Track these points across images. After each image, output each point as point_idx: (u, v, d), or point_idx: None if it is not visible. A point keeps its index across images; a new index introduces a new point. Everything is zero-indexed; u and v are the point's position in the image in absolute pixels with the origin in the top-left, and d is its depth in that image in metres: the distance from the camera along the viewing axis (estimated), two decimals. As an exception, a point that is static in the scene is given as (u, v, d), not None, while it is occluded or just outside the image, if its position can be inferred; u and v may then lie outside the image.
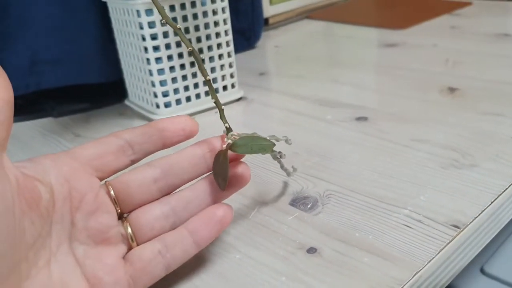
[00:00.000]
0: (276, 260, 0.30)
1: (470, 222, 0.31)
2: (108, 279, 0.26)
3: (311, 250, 0.30)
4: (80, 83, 0.56)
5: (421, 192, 0.35)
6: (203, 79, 0.52)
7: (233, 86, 0.55)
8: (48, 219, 0.24)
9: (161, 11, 0.31)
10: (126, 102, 0.58)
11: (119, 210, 0.28)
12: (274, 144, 0.30)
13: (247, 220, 0.34)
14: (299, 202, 0.35)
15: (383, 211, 0.33)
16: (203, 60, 0.52)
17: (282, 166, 0.36)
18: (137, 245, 0.28)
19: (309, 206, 0.35)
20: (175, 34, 0.49)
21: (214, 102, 0.31)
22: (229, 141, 0.30)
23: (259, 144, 0.30)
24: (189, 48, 0.30)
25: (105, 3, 0.53)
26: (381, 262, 0.29)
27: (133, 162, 0.29)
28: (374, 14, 0.90)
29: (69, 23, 0.54)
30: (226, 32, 0.53)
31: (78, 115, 0.57)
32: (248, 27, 0.73)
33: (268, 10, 0.85)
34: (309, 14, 0.92)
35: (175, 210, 0.29)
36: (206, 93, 0.53)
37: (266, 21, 0.85)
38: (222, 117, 0.31)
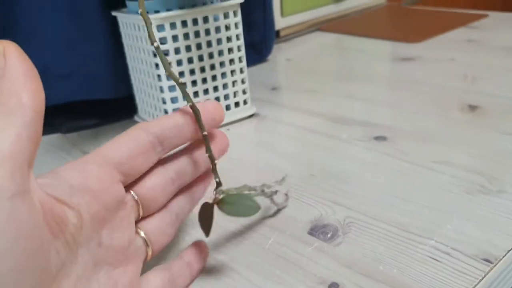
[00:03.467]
0: (296, 297, 0.28)
1: (503, 256, 0.29)
2: None
3: (333, 286, 0.28)
4: (89, 99, 0.54)
5: (447, 220, 0.33)
6: (215, 95, 0.51)
7: (245, 102, 0.54)
8: (74, 245, 0.22)
9: (163, 61, 0.28)
10: (136, 118, 0.56)
11: (140, 215, 0.27)
12: (259, 208, 0.29)
13: (264, 250, 0.32)
14: (318, 230, 0.33)
15: (408, 242, 0.31)
16: (215, 77, 0.50)
17: (272, 202, 0.36)
18: (151, 252, 0.27)
19: (329, 235, 0.33)
20: (187, 50, 0.47)
21: (208, 156, 0.29)
22: (217, 195, 0.29)
23: (245, 205, 0.29)
24: (189, 104, 0.28)
25: (115, 17, 0.52)
26: (408, 300, 0.27)
27: (160, 158, 0.27)
28: (387, 26, 0.89)
29: (79, 37, 0.53)
30: (238, 48, 0.51)
31: (87, 131, 0.55)
32: (259, 40, 0.72)
33: (279, 22, 0.83)
34: (320, 26, 0.90)
35: (178, 215, 0.29)
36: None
37: (277, 33, 0.84)
38: (214, 170, 0.30)
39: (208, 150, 0.29)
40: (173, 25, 0.46)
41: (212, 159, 0.29)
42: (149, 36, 0.28)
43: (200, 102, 0.28)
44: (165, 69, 0.28)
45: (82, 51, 0.54)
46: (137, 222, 0.27)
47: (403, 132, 0.46)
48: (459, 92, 0.55)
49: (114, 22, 0.53)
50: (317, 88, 0.61)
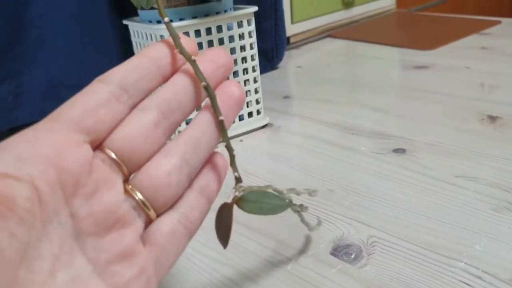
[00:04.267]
0: (322, 324, 0.27)
1: (538, 280, 0.28)
2: (129, 273, 0.22)
3: (361, 312, 0.27)
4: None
5: (475, 240, 0.32)
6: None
7: (258, 112, 0.53)
8: (35, 221, 0.19)
9: (174, 38, 0.25)
10: (146, 128, 0.55)
11: (127, 172, 0.23)
12: (289, 205, 0.26)
13: (286, 272, 0.31)
14: (341, 251, 0.32)
15: (436, 264, 0.30)
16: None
17: (302, 220, 0.32)
18: (155, 211, 0.24)
19: (352, 256, 0.31)
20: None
21: (225, 147, 0.26)
22: (237, 193, 0.26)
23: (271, 203, 0.26)
24: (203, 83, 0.25)
25: (126, 26, 0.50)
26: (441, 329, 0.25)
27: (131, 108, 0.23)
28: (398, 33, 0.87)
29: (89, 46, 0.52)
30: (252, 57, 0.50)
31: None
32: (270, 47, 0.71)
33: (290, 28, 0.82)
34: (331, 32, 0.89)
35: (186, 159, 0.24)
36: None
37: (287, 40, 0.83)
38: (233, 164, 0.26)
39: (225, 139, 0.25)
40: (186, 35, 0.45)
41: (230, 149, 0.26)
42: (180, 52, 0.26)
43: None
44: (200, 80, 0.26)
45: (92, 61, 0.53)
46: (128, 181, 0.24)
47: (422, 145, 0.45)
48: (476, 102, 0.54)
49: (124, 31, 0.52)
50: (329, 97, 0.60)
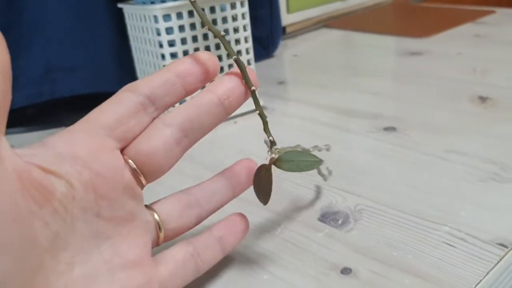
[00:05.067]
0: (308, 282, 0.27)
1: (520, 241, 0.28)
2: (137, 281, 0.23)
3: (346, 271, 0.28)
4: (95, 92, 0.54)
5: (461, 207, 0.32)
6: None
7: (252, 95, 0.53)
8: (66, 215, 0.21)
9: (202, 17, 0.26)
10: (142, 111, 0.56)
11: (145, 182, 0.25)
12: (322, 161, 0.28)
13: (274, 236, 0.31)
14: (329, 217, 0.33)
15: (422, 228, 0.31)
16: (222, 69, 0.50)
17: (319, 172, 0.35)
18: (164, 235, 0.26)
19: (340, 222, 0.32)
20: (194, 40, 0.47)
21: (259, 114, 0.28)
22: (273, 155, 0.27)
23: (307, 161, 0.27)
24: (234, 57, 0.26)
25: (120, 9, 0.51)
26: (423, 285, 0.26)
27: (153, 119, 0.25)
28: (395, 22, 0.88)
29: (84, 30, 0.53)
30: (246, 39, 0.51)
31: (92, 125, 0.55)
32: (266, 35, 0.72)
33: (286, 18, 0.83)
34: (327, 22, 0.90)
35: (199, 202, 0.27)
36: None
37: (283, 29, 0.83)
38: (266, 129, 0.28)
39: (258, 107, 0.27)
40: (179, 15, 0.45)
41: (262, 116, 0.28)
42: (209, 29, 0.26)
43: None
44: (231, 55, 0.26)
45: (87, 44, 0.53)
46: (150, 204, 0.26)
47: (412, 123, 0.46)
48: (468, 84, 0.54)
49: (120, 14, 0.52)
50: (324, 83, 0.61)
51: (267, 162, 0.27)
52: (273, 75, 0.66)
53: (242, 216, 0.29)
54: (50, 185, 0.20)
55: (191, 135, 0.25)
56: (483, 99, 0.50)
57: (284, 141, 0.45)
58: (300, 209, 0.34)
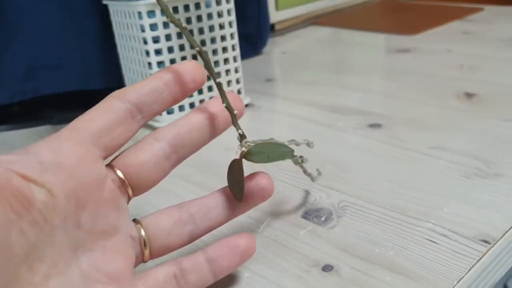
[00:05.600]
0: (289, 279, 0.27)
1: (501, 236, 0.28)
2: None
3: (327, 268, 0.27)
4: (79, 89, 0.54)
5: (444, 203, 0.32)
6: (208, 84, 0.50)
7: (239, 92, 0.53)
8: (45, 225, 0.20)
9: (166, 10, 0.27)
10: (128, 109, 0.55)
11: (131, 194, 0.25)
12: (293, 150, 0.27)
13: (256, 234, 0.31)
14: (312, 214, 0.32)
15: (404, 224, 0.30)
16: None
17: (305, 171, 0.33)
18: (150, 252, 0.25)
19: (323, 219, 0.32)
20: (179, 36, 0.47)
21: (226, 107, 0.27)
22: (244, 149, 0.27)
23: (277, 151, 0.27)
24: (197, 48, 0.27)
25: (105, 5, 0.51)
26: (405, 281, 0.26)
27: (141, 127, 0.25)
28: (383, 20, 0.88)
29: (68, 27, 0.52)
30: (232, 36, 0.50)
31: (78, 122, 0.54)
32: (254, 33, 0.71)
33: (274, 16, 0.83)
34: (315, 20, 0.90)
35: (194, 217, 0.26)
36: (210, 98, 0.51)
37: (272, 27, 0.83)
38: (235, 122, 0.28)
39: (225, 100, 0.27)
40: (163, 12, 0.45)
41: (230, 110, 0.27)
42: (171, 21, 0.27)
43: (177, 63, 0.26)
44: (193, 47, 0.27)
45: (71, 42, 0.53)
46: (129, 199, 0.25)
47: (398, 120, 0.46)
48: (455, 81, 0.55)
49: (105, 11, 0.52)
50: (312, 80, 0.60)
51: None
52: (261, 72, 0.66)
53: (246, 236, 0.27)
54: (30, 194, 0.20)
55: (181, 151, 0.26)
56: (469, 95, 0.50)
57: (268, 136, 0.45)
58: (284, 207, 0.34)
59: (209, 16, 0.48)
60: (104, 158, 0.24)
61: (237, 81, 0.52)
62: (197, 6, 0.47)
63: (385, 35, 0.78)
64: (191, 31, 0.47)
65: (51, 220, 0.20)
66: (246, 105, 0.54)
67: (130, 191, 0.24)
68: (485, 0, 0.94)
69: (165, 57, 0.46)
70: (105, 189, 0.23)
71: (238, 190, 0.26)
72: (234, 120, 0.28)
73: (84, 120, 0.23)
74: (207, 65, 0.27)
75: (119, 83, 0.54)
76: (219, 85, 0.27)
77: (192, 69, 0.25)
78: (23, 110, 0.57)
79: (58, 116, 0.55)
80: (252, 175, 0.27)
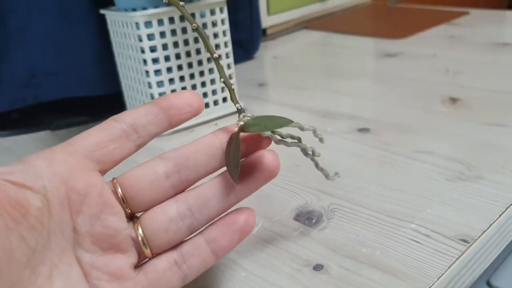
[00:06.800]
0: (282, 278, 0.29)
1: (479, 236, 0.31)
2: None
3: (318, 267, 0.29)
4: (78, 96, 0.55)
5: (427, 205, 0.34)
6: (203, 90, 0.52)
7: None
8: (43, 230, 0.22)
9: (188, 18, 0.28)
10: (125, 114, 0.57)
11: (129, 211, 0.26)
12: (291, 121, 0.26)
13: (251, 235, 0.33)
14: (304, 216, 0.34)
15: (390, 226, 0.33)
16: (202, 73, 0.51)
17: (317, 165, 0.31)
18: (150, 250, 0.26)
19: (313, 220, 0.34)
20: (175, 45, 0.48)
21: (223, 82, 0.28)
22: (241, 122, 0.27)
23: (275, 121, 0.26)
24: (193, 25, 0.28)
25: (103, 15, 0.52)
26: (390, 279, 0.28)
27: (138, 147, 0.26)
28: (372, 24, 0.90)
29: (67, 35, 0.54)
30: (225, 44, 0.52)
31: (76, 128, 0.56)
32: (246, 38, 0.73)
33: (266, 20, 0.84)
34: (307, 24, 0.92)
35: (192, 210, 0.26)
36: (206, 105, 0.53)
37: (264, 31, 0.85)
38: (233, 97, 0.28)
39: (222, 75, 0.27)
40: (160, 22, 0.47)
41: (228, 85, 0.27)
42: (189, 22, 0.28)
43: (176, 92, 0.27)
44: (190, 23, 0.28)
45: (70, 49, 0.54)
46: (132, 214, 0.26)
47: (386, 124, 0.48)
48: (440, 86, 0.57)
49: (102, 20, 0.53)
50: (303, 84, 0.62)
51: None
52: (253, 77, 0.67)
53: (245, 212, 0.26)
54: (26, 201, 0.21)
55: (184, 172, 0.26)
56: (453, 100, 0.52)
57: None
58: (277, 209, 0.36)
59: (204, 25, 0.50)
60: (100, 172, 0.25)
61: (231, 87, 0.54)
62: (192, 16, 0.49)
63: (374, 39, 0.80)
64: (186, 40, 0.49)
65: (47, 225, 0.22)
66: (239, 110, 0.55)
67: (126, 207, 0.25)
68: (473, 4, 0.96)
69: (162, 65, 0.48)
70: (101, 195, 0.24)
71: (233, 168, 0.25)
72: (232, 95, 0.28)
73: (79, 137, 0.25)
74: (204, 40, 0.28)
75: (116, 90, 0.56)
76: (216, 60, 0.28)
77: (188, 96, 0.26)
78: (22, 116, 0.58)
79: (57, 121, 0.56)
80: (255, 152, 0.27)
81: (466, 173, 0.38)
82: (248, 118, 0.27)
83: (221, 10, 0.50)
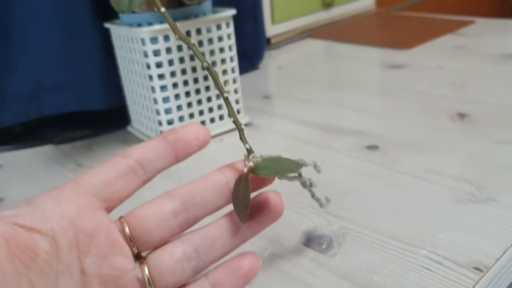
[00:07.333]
0: (293, 309, 0.28)
1: (493, 265, 0.30)
2: None
3: (329, 297, 0.29)
4: (81, 110, 0.55)
5: (438, 229, 0.34)
6: (209, 105, 0.51)
7: (238, 112, 0.54)
8: (51, 273, 0.22)
9: (174, 28, 0.28)
10: (129, 128, 0.56)
11: (135, 250, 0.25)
12: (302, 165, 0.27)
13: (262, 261, 0.32)
14: (314, 242, 0.34)
15: (401, 251, 0.32)
16: (208, 88, 0.51)
17: (313, 196, 0.33)
18: None
19: (324, 246, 0.33)
20: (181, 61, 0.48)
21: (233, 122, 0.28)
22: (251, 163, 0.27)
23: (285, 165, 0.26)
24: (205, 63, 0.27)
25: (107, 29, 0.52)
26: (403, 310, 0.27)
27: (144, 182, 0.26)
28: (376, 33, 0.90)
29: (71, 49, 0.53)
30: (231, 58, 0.52)
31: (80, 142, 0.55)
32: (251, 48, 0.73)
33: (270, 29, 0.84)
34: (310, 33, 0.91)
35: (198, 252, 0.26)
36: (211, 120, 0.52)
37: (268, 40, 0.85)
38: (242, 137, 0.28)
39: (232, 114, 0.27)
40: (166, 38, 0.46)
41: (237, 124, 0.27)
42: (180, 38, 0.28)
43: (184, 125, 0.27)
44: (201, 61, 0.28)
45: (75, 63, 0.54)
46: (139, 254, 0.26)
47: (394, 141, 0.47)
48: (448, 100, 0.56)
49: (106, 33, 0.53)
50: (308, 97, 0.62)
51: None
52: (258, 88, 0.67)
53: (249, 256, 0.26)
54: (35, 245, 0.21)
55: (191, 210, 0.26)
56: (462, 116, 0.52)
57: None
58: (286, 232, 0.35)
59: (210, 40, 0.49)
60: (107, 209, 0.25)
61: (236, 102, 0.54)
62: (199, 31, 0.48)
63: (378, 49, 0.79)
64: (192, 56, 0.48)
65: (56, 268, 0.22)
66: (246, 125, 0.55)
67: (133, 246, 0.25)
68: (480, 10, 0.96)
69: (168, 81, 0.48)
70: (108, 235, 0.24)
71: (242, 209, 0.25)
72: (241, 134, 0.28)
73: (87, 174, 0.25)
74: (214, 79, 0.28)
75: (121, 104, 0.55)
76: (226, 100, 0.28)
77: (195, 129, 0.26)
78: (25, 130, 0.58)
79: (60, 135, 0.56)
80: (260, 193, 0.27)
81: (477, 194, 0.37)
82: (257, 159, 0.27)
83: (227, 25, 0.50)
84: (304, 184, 0.32)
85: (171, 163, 0.26)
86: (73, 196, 0.24)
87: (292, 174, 0.30)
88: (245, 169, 0.26)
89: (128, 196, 0.25)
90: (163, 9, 0.28)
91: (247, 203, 0.25)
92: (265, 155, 0.28)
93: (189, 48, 0.28)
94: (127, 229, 0.25)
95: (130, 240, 0.25)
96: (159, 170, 0.26)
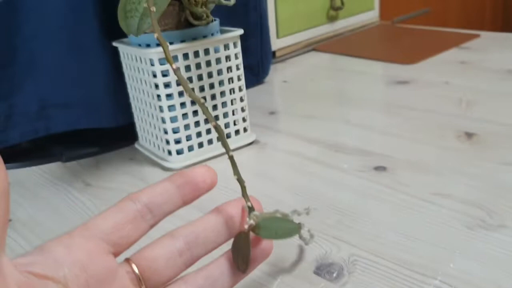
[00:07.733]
0: None
1: (507, 298, 0.30)
2: None
3: (342, 330, 0.29)
4: (88, 127, 0.55)
5: (449, 257, 0.34)
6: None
7: (245, 130, 0.54)
8: None
9: (185, 86, 0.30)
10: (136, 145, 0.56)
11: None
12: (301, 227, 0.29)
13: (271, 291, 0.32)
14: (324, 270, 0.34)
15: (412, 281, 0.32)
16: (215, 106, 0.51)
17: (300, 237, 0.35)
18: None
19: (334, 275, 0.33)
20: (189, 81, 0.48)
21: (237, 179, 0.30)
22: (252, 221, 0.29)
23: (284, 228, 0.29)
24: (212, 123, 0.29)
25: (116, 47, 0.52)
26: None
27: (152, 227, 0.27)
28: (381, 47, 0.90)
29: (78, 66, 0.53)
30: (238, 77, 0.52)
31: (87, 159, 0.55)
32: (256, 63, 0.73)
33: (275, 43, 0.84)
34: (315, 46, 0.91)
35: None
36: (218, 138, 0.52)
37: (273, 54, 0.85)
38: (244, 194, 0.30)
39: (235, 171, 0.29)
40: (175, 58, 0.46)
41: (240, 182, 0.29)
42: (190, 96, 0.30)
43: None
44: (210, 121, 0.29)
45: (82, 80, 0.54)
46: None
47: (401, 162, 0.47)
48: (454, 118, 0.56)
49: (114, 51, 0.53)
50: (314, 113, 0.62)
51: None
52: (263, 104, 0.67)
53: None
54: None
55: (194, 249, 0.27)
56: (469, 135, 0.52)
57: (275, 179, 0.46)
58: (295, 260, 0.35)
59: (218, 60, 0.49)
60: (115, 254, 0.25)
61: (243, 120, 0.54)
62: (206, 51, 0.48)
63: (383, 63, 0.79)
64: (200, 75, 0.48)
65: None
66: (252, 142, 0.55)
67: (143, 285, 0.26)
68: (484, 23, 0.96)
69: (176, 101, 0.48)
70: (118, 279, 0.25)
71: (242, 263, 0.28)
72: (243, 192, 0.30)
73: (95, 218, 0.25)
74: (221, 137, 0.29)
75: (128, 122, 0.55)
76: (231, 158, 0.29)
77: (203, 172, 0.27)
78: (32, 147, 0.58)
79: (67, 153, 0.56)
80: (256, 243, 0.29)
81: (488, 220, 0.37)
82: (258, 219, 0.29)
83: (235, 45, 0.50)
84: (301, 237, 0.34)
85: (178, 206, 0.27)
86: (83, 242, 0.24)
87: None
88: (246, 226, 0.28)
89: (136, 241, 0.26)
90: (175, 66, 0.30)
91: (248, 259, 0.27)
92: (264, 212, 0.30)
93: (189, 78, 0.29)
94: (137, 271, 0.26)
95: (140, 281, 0.26)
96: (166, 213, 0.27)
